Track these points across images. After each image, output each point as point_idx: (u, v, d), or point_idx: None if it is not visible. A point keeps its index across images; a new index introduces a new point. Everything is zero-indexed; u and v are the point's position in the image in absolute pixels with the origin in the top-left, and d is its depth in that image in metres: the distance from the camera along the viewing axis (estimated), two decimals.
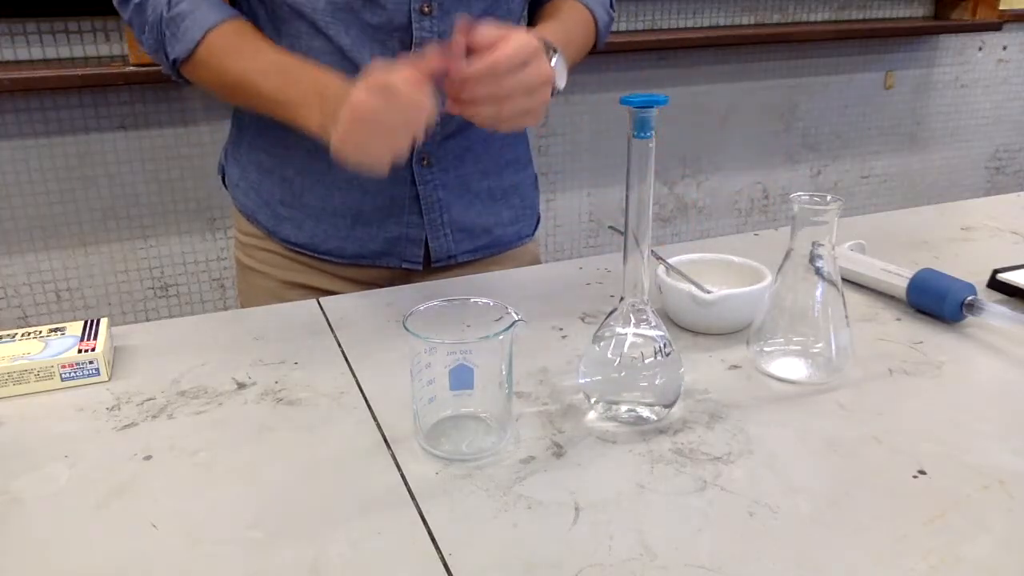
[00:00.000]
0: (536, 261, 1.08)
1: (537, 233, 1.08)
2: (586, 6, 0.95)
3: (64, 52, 1.80)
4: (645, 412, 0.62)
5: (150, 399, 0.67)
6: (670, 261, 0.80)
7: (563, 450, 0.59)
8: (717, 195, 2.54)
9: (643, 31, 2.30)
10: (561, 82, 0.80)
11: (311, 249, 0.96)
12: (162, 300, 2.04)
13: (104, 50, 1.83)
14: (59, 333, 0.73)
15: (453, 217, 0.96)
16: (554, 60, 0.77)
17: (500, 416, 0.60)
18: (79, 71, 1.68)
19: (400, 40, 0.85)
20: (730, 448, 0.59)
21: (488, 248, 1.01)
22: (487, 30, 0.70)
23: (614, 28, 2.42)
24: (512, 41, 0.70)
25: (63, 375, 0.69)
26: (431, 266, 0.97)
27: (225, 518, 0.53)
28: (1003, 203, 1.16)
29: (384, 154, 0.69)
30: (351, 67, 0.84)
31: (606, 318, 0.64)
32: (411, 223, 0.94)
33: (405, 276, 0.98)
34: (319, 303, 0.86)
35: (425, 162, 0.92)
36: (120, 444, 0.61)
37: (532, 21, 0.98)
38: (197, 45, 0.82)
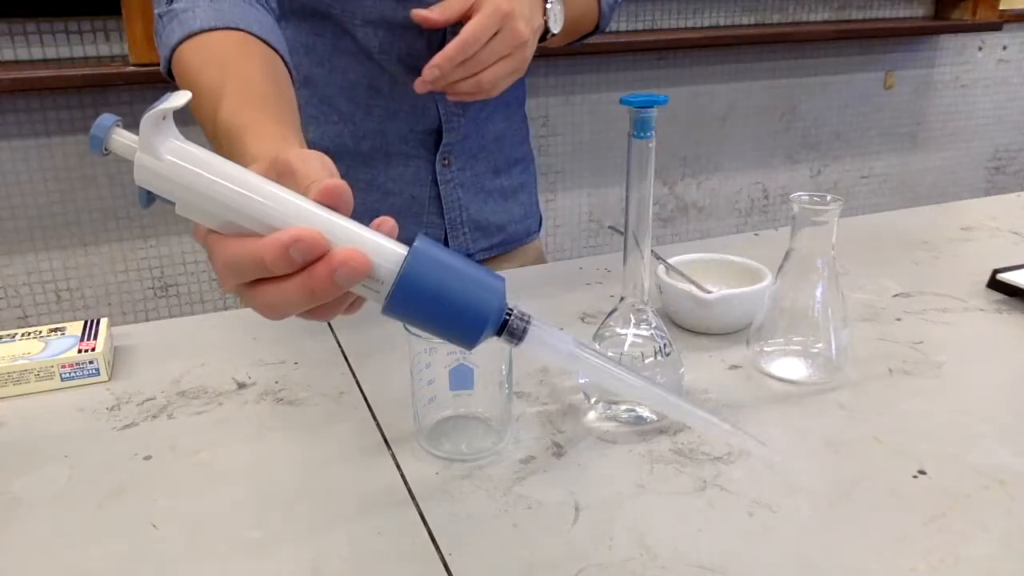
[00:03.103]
0: (541, 258, 1.09)
1: (541, 230, 1.09)
2: None
3: (64, 52, 1.80)
4: (645, 412, 0.62)
5: (150, 399, 0.67)
6: (670, 261, 0.80)
7: (563, 450, 0.59)
8: (717, 195, 2.54)
9: (643, 31, 2.30)
10: (556, 26, 0.79)
11: None
12: (162, 300, 2.04)
13: (104, 50, 1.83)
14: (59, 333, 0.73)
15: (471, 216, 0.97)
16: (549, 3, 0.78)
17: (500, 416, 0.60)
18: (79, 71, 1.68)
19: (428, 40, 0.85)
20: (730, 448, 0.59)
21: (501, 245, 1.02)
22: (451, 3, 0.71)
23: (614, 28, 2.40)
24: (480, 14, 0.70)
25: (63, 375, 0.69)
26: None
27: (225, 518, 0.53)
28: (1003, 203, 1.16)
29: None
30: (378, 70, 0.85)
31: (606, 318, 0.64)
32: (431, 223, 0.95)
33: None
34: None
35: (446, 162, 0.92)
36: (120, 444, 0.61)
37: None
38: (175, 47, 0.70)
